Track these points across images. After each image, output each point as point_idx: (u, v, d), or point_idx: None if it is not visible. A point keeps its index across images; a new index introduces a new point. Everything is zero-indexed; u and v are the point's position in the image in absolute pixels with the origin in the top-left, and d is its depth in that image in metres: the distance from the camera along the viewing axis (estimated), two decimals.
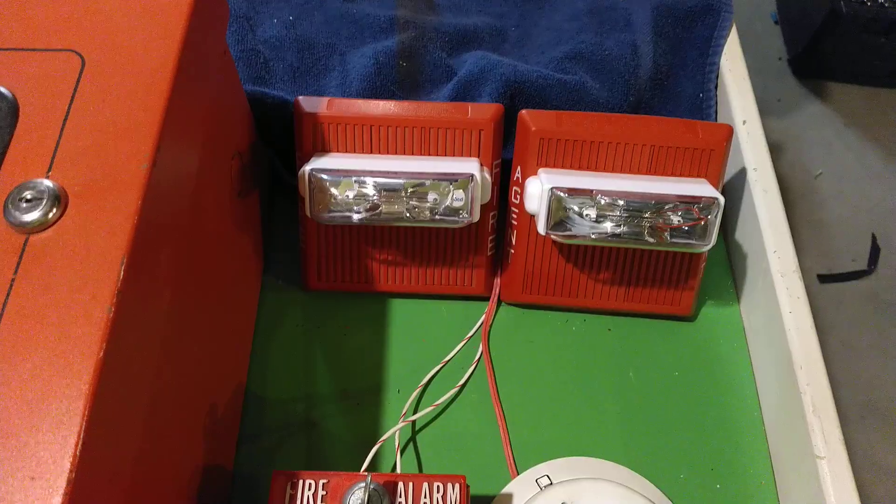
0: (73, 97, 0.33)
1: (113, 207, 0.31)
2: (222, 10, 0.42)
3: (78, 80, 0.34)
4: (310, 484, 0.38)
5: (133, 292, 0.30)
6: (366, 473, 0.38)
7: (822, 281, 1.06)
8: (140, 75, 0.34)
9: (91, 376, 0.27)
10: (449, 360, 0.51)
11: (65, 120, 0.33)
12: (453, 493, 0.39)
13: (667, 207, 0.46)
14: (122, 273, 0.29)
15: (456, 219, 0.47)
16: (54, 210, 0.30)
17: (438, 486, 0.39)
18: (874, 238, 1.09)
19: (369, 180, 0.46)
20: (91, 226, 0.30)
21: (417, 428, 0.49)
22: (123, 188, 0.31)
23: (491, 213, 0.51)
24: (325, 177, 0.46)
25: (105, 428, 0.28)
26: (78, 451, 0.26)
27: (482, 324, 0.53)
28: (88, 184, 0.31)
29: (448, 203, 0.47)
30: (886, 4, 1.09)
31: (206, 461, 0.41)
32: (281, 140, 0.53)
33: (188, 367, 0.39)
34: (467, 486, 0.39)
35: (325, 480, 0.38)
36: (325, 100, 0.48)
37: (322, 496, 0.38)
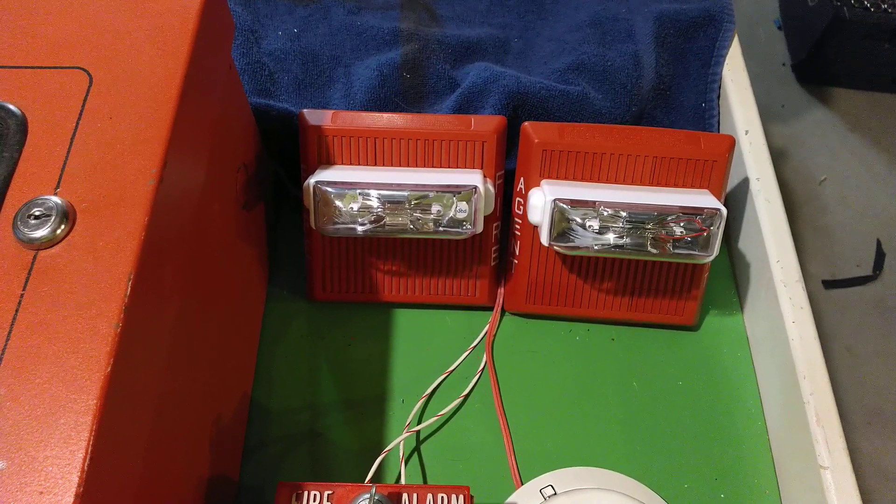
0: (80, 114, 0.34)
1: (120, 223, 0.31)
2: (228, 24, 0.42)
3: (85, 98, 0.34)
4: (314, 495, 0.38)
5: (140, 307, 0.30)
6: (370, 485, 0.38)
7: (826, 287, 1.06)
8: (147, 92, 0.35)
9: (99, 391, 0.28)
10: (453, 370, 0.51)
11: (73, 137, 0.33)
12: None
13: (669, 219, 0.46)
14: (129, 289, 0.30)
15: (459, 230, 0.47)
16: (62, 226, 0.31)
17: (442, 498, 0.39)
18: (879, 243, 1.09)
19: (373, 192, 0.46)
20: (99, 242, 0.31)
21: (421, 438, 0.49)
22: (131, 204, 0.32)
23: (494, 224, 0.51)
24: (329, 189, 0.46)
25: (112, 442, 0.28)
26: (86, 465, 0.27)
27: (486, 334, 0.53)
28: (96, 200, 0.32)
29: (452, 214, 0.47)
30: (890, 10, 1.09)
31: (212, 472, 0.41)
32: (286, 152, 0.53)
33: (194, 378, 0.39)
34: (471, 497, 0.39)
35: (329, 492, 0.38)
36: (329, 112, 0.49)
37: None
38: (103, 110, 0.34)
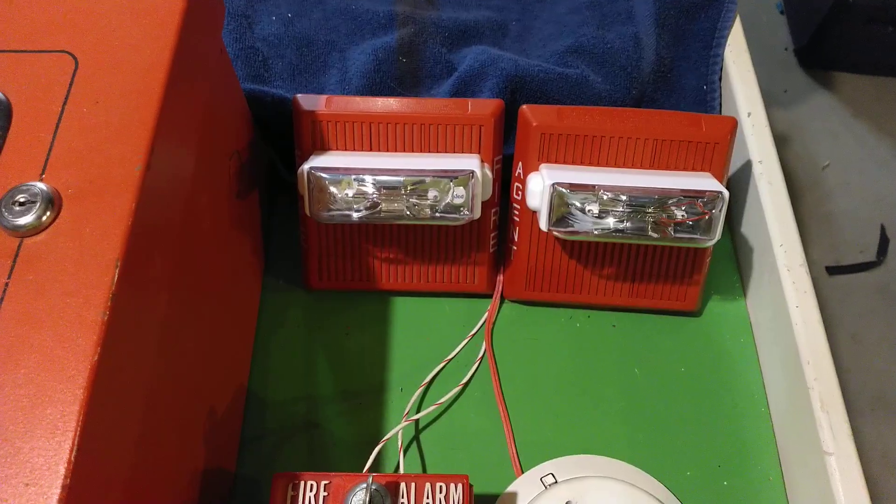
0: (66, 99, 0.33)
1: (107, 210, 0.31)
2: (218, 8, 0.41)
3: (71, 82, 0.34)
4: (311, 485, 0.38)
5: (128, 296, 0.30)
6: (367, 474, 0.38)
7: (830, 273, 1.05)
8: (134, 76, 0.34)
9: (86, 381, 0.27)
10: (452, 359, 0.51)
11: (58, 122, 0.33)
12: (456, 493, 0.38)
13: (670, 202, 0.45)
14: (116, 276, 0.29)
15: (457, 216, 0.47)
16: (48, 213, 0.30)
17: (441, 487, 0.38)
18: (883, 229, 1.08)
19: (369, 178, 0.46)
20: (85, 229, 0.30)
21: (420, 427, 0.48)
22: (118, 190, 0.31)
23: (492, 210, 0.50)
24: (324, 175, 0.46)
25: (100, 433, 0.28)
26: (73, 456, 0.26)
27: (485, 321, 0.52)
28: (82, 186, 0.31)
29: (449, 200, 0.46)
30: None
31: (207, 464, 0.41)
32: (281, 138, 0.52)
33: (186, 369, 0.39)
34: (471, 486, 0.39)
35: (326, 482, 0.38)
36: (323, 97, 0.48)
37: (323, 497, 0.37)
38: (89, 95, 0.33)
